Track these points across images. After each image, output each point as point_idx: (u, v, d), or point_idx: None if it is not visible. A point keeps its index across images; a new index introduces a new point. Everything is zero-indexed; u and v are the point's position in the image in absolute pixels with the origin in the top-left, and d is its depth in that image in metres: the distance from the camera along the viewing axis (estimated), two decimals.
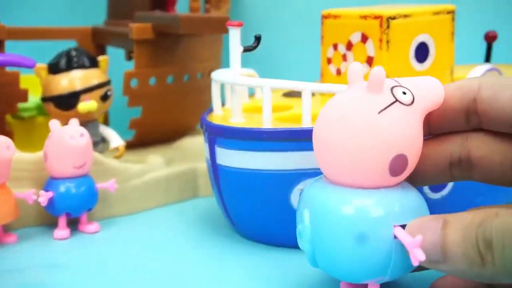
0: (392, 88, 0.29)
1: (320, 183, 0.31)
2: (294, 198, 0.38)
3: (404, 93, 0.29)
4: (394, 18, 0.42)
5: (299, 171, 0.38)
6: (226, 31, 0.49)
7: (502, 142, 0.30)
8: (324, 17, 0.47)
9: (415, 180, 0.32)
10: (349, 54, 0.45)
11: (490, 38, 0.45)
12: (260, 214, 0.40)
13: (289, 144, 0.37)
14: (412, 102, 0.29)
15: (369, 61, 0.43)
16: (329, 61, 0.47)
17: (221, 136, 0.39)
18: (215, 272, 0.37)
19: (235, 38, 0.39)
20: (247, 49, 0.40)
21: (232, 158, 0.39)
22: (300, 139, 0.37)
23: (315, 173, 0.37)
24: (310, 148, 0.37)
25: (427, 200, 0.32)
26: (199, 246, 0.42)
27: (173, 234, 0.44)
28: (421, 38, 0.43)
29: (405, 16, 0.42)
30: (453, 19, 0.45)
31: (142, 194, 0.49)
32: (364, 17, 0.43)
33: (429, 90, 0.30)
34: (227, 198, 0.41)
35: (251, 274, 0.37)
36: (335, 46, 0.46)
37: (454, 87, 0.31)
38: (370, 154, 0.28)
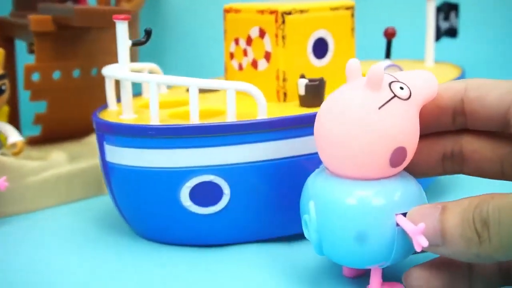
0: (390, 84, 0.31)
1: (323, 175, 0.33)
2: (183, 196, 0.37)
3: (402, 88, 0.31)
4: (289, 13, 0.41)
5: (188, 169, 0.37)
6: (129, 24, 0.48)
7: (491, 138, 0.32)
8: (226, 11, 0.46)
9: (409, 173, 0.33)
10: (249, 49, 0.44)
11: (389, 35, 0.45)
12: (151, 212, 0.39)
13: (177, 141, 0.37)
14: (409, 96, 0.31)
15: (267, 56, 0.43)
16: (231, 56, 0.46)
17: (109, 133, 0.38)
18: (105, 273, 0.36)
19: (122, 32, 0.38)
20: (136, 44, 0.39)
21: (121, 155, 0.38)
22: (188, 135, 0.37)
23: (204, 170, 0.37)
24: (198, 145, 0.37)
25: None
26: (95, 246, 0.41)
27: (71, 233, 0.43)
28: (319, 33, 0.43)
29: (301, 11, 0.42)
30: (352, 15, 0.44)
31: (40, 192, 0.47)
32: (261, 11, 0.42)
33: (424, 84, 0.32)
34: (118, 197, 0.40)
35: (146, 274, 0.36)
36: (236, 41, 0.45)
37: (441, 88, 0.32)
38: (372, 148, 0.30)
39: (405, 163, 0.31)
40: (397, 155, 0.30)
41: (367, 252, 0.31)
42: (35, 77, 0.51)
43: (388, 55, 0.46)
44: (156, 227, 0.40)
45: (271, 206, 0.38)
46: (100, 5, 0.50)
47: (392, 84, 0.31)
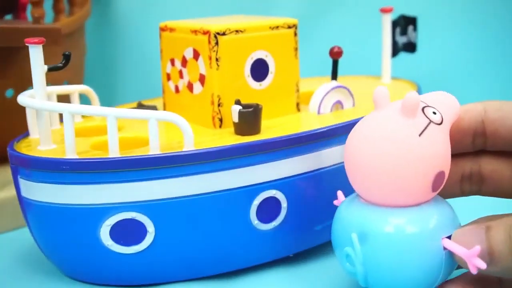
0: (423, 109, 0.31)
1: (360, 205, 0.32)
2: (104, 235, 0.34)
3: (434, 113, 0.31)
4: (223, 34, 0.38)
5: (107, 206, 0.34)
6: (57, 43, 0.45)
7: (510, 157, 0.33)
8: (161, 29, 0.43)
9: None
10: (185, 71, 0.41)
11: (335, 54, 0.42)
12: (71, 252, 0.36)
13: (94, 176, 0.34)
14: (442, 121, 0.31)
15: (201, 79, 0.40)
16: (168, 77, 0.43)
17: (22, 166, 0.35)
18: None
19: (36, 57, 0.35)
20: (52, 69, 0.36)
21: (36, 191, 0.35)
22: (106, 170, 0.34)
23: (125, 207, 0.34)
24: (117, 180, 0.34)
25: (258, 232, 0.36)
26: (13, 285, 0.37)
27: None
28: (257, 54, 0.40)
29: (237, 31, 0.39)
30: (295, 34, 0.42)
31: None
32: (195, 31, 0.39)
33: (450, 106, 0.32)
34: (37, 234, 0.37)
35: None
36: (172, 61, 0.42)
37: (461, 110, 0.33)
38: (417, 174, 0.30)
39: (442, 187, 0.32)
40: (438, 180, 0.31)
41: (418, 279, 0.31)
42: None
43: (334, 76, 0.43)
44: (79, 267, 0.36)
45: (200, 244, 0.35)
46: (33, 22, 0.46)
47: (425, 109, 0.31)
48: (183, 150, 0.34)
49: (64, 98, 0.42)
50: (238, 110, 0.37)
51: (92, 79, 0.66)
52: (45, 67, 0.35)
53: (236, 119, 0.37)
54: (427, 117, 0.31)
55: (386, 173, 0.30)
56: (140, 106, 0.45)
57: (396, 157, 0.30)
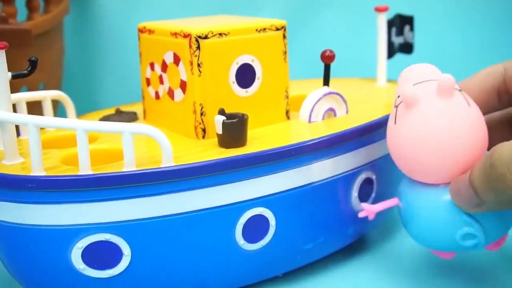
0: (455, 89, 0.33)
1: (440, 189, 0.33)
2: (75, 258, 0.31)
3: (460, 90, 0.34)
4: (205, 37, 0.35)
5: (79, 227, 0.31)
6: (27, 45, 0.42)
7: None
8: (140, 31, 0.40)
9: None
10: (165, 76, 0.38)
11: (326, 58, 0.39)
12: (41, 276, 0.33)
13: (63, 195, 0.31)
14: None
15: (183, 86, 0.37)
16: (148, 82, 0.40)
17: None
18: None
19: None
20: (17, 76, 0.32)
21: (0, 210, 0.32)
22: (76, 189, 0.31)
23: (98, 228, 0.31)
24: (89, 199, 0.31)
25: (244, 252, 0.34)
26: None
27: None
28: (243, 59, 0.37)
29: (221, 34, 0.36)
30: (284, 36, 0.39)
31: None
32: (175, 34, 0.36)
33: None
34: (3, 256, 0.34)
35: None
36: (152, 66, 0.39)
37: (483, 74, 0.36)
38: (478, 148, 0.32)
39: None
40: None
41: None
42: None
43: (326, 81, 0.40)
44: None
45: (180, 267, 0.33)
46: (1, 21, 0.43)
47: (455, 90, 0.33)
48: (161, 166, 0.31)
49: (38, 104, 0.40)
50: (222, 121, 0.34)
51: (71, 80, 0.63)
52: (9, 74, 0.32)
53: (219, 131, 0.34)
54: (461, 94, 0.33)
55: (458, 148, 0.32)
56: (119, 112, 0.42)
57: (464, 137, 0.32)
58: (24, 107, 0.37)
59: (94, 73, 0.65)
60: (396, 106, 0.34)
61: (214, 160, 0.32)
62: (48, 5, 0.52)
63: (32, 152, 0.31)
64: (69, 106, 0.41)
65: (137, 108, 0.44)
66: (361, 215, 0.36)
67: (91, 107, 0.64)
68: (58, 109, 0.49)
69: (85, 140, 0.30)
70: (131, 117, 0.42)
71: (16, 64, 0.43)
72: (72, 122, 0.30)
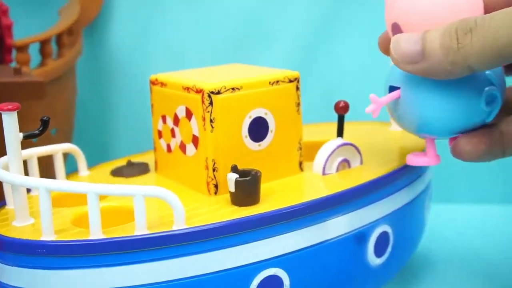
0: None
1: None
2: None
3: None
4: (218, 92, 0.35)
5: None
6: (40, 97, 0.42)
7: None
8: (152, 82, 0.40)
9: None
10: (177, 130, 0.38)
11: (340, 110, 0.39)
12: None
13: (75, 260, 0.30)
14: None
15: (195, 141, 0.36)
16: (159, 134, 0.40)
17: None
18: None
19: (9, 125, 0.31)
20: (29, 136, 0.32)
21: (10, 275, 0.31)
22: (88, 254, 0.30)
23: None
24: (101, 264, 0.30)
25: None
26: None
27: None
28: (256, 113, 0.36)
29: (233, 89, 0.35)
30: (297, 88, 0.38)
31: None
32: (187, 89, 0.36)
33: None
34: None
35: None
36: (163, 119, 0.39)
37: None
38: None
39: None
40: None
41: None
42: None
43: (340, 132, 0.39)
44: None
45: None
46: (15, 71, 0.43)
47: None
48: (173, 229, 0.31)
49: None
50: (234, 179, 0.33)
51: (83, 122, 0.63)
52: (21, 135, 0.32)
53: (232, 189, 0.33)
54: None
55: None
56: (130, 164, 0.41)
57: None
58: (35, 163, 0.37)
59: (106, 114, 0.64)
60: None
61: (227, 221, 0.31)
62: (61, 49, 0.52)
63: (42, 216, 0.30)
64: (80, 158, 0.41)
65: (148, 158, 0.43)
66: (368, 110, 0.34)
67: (102, 154, 0.64)
68: (69, 159, 0.48)
69: (96, 204, 0.30)
70: (143, 169, 0.41)
71: (25, 112, 0.43)
72: (83, 187, 0.30)
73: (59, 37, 0.52)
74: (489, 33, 0.29)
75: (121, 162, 0.43)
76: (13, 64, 0.52)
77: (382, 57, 0.41)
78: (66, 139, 0.59)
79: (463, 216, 0.58)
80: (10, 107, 0.31)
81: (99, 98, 0.64)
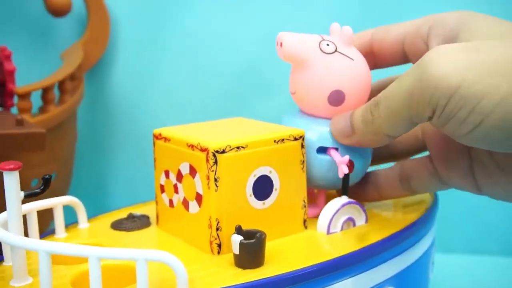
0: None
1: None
2: None
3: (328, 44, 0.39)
4: (223, 151, 0.35)
5: None
6: (40, 148, 0.41)
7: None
8: (156, 137, 0.39)
9: None
10: (180, 186, 0.37)
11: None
12: None
13: None
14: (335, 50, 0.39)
15: (198, 199, 0.36)
16: (162, 188, 0.39)
17: None
18: None
19: (10, 184, 0.31)
20: (30, 195, 0.32)
21: None
22: None
23: None
24: None
25: None
26: None
27: None
28: (260, 171, 0.36)
29: (238, 148, 0.35)
30: (302, 146, 0.38)
31: None
32: (191, 146, 0.36)
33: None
34: None
35: None
36: (166, 173, 0.38)
37: (355, 37, 0.42)
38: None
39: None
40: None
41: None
42: None
43: (345, 191, 0.39)
44: None
45: None
46: (14, 123, 0.42)
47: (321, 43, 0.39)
48: None
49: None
50: (239, 241, 0.32)
51: (82, 167, 0.62)
52: (22, 194, 0.31)
53: (236, 251, 0.33)
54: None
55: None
56: (131, 217, 0.41)
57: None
58: (34, 218, 0.36)
59: (104, 160, 0.64)
60: None
61: (230, 287, 0.31)
62: (63, 95, 0.52)
63: (42, 280, 0.29)
64: (80, 211, 0.40)
65: (149, 209, 0.43)
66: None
67: (101, 205, 0.63)
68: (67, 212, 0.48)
69: (98, 268, 0.29)
70: (144, 222, 0.40)
71: (25, 158, 0.42)
72: (85, 251, 0.29)
73: (61, 83, 0.52)
74: (388, 103, 0.35)
75: (121, 214, 0.42)
76: (15, 109, 0.52)
77: None
78: (65, 183, 0.58)
79: (460, 267, 0.57)
80: (12, 166, 0.30)
81: (98, 143, 0.64)
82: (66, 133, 0.53)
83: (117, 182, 0.64)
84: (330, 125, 0.39)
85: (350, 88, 0.39)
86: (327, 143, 0.39)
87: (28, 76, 0.57)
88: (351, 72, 0.39)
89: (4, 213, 0.33)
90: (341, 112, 0.39)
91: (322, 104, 0.39)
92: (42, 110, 0.50)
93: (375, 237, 0.37)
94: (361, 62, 0.40)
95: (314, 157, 0.39)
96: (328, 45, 0.39)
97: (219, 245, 0.35)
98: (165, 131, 0.38)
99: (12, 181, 0.31)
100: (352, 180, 0.40)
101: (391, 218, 0.41)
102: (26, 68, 0.59)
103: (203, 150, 0.35)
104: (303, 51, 0.38)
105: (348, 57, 0.39)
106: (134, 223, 0.40)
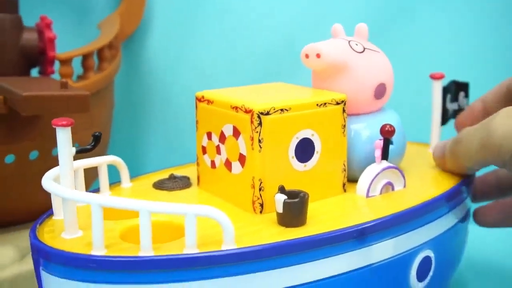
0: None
1: None
2: None
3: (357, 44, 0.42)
4: (267, 113, 0.35)
5: None
6: (84, 110, 0.42)
7: None
8: (198, 99, 0.40)
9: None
10: (222, 148, 0.38)
11: (386, 133, 0.39)
12: None
13: (124, 276, 0.30)
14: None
15: (241, 160, 0.36)
16: (204, 150, 0.40)
17: (45, 259, 0.32)
18: None
19: (63, 140, 0.32)
20: (81, 151, 0.33)
21: (60, 287, 0.32)
22: (137, 271, 0.30)
23: None
24: (150, 280, 0.30)
25: None
26: None
27: None
28: (303, 134, 0.37)
29: (282, 110, 0.36)
30: (344, 110, 0.38)
31: None
32: (235, 108, 0.36)
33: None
34: None
35: None
36: (209, 135, 0.39)
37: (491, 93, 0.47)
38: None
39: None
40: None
41: None
42: None
43: (385, 155, 0.39)
44: None
45: None
46: (59, 86, 0.43)
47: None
48: (223, 249, 0.31)
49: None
50: (283, 201, 0.33)
51: (119, 134, 0.63)
52: (73, 150, 0.32)
53: (280, 210, 0.33)
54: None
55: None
56: (172, 178, 0.42)
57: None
58: (81, 175, 0.37)
59: (141, 127, 0.65)
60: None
61: (277, 243, 0.31)
62: (102, 63, 0.53)
63: (94, 231, 0.30)
64: (123, 170, 0.41)
65: (188, 171, 0.44)
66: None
67: (140, 166, 0.64)
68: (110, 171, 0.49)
69: (148, 221, 0.30)
70: (185, 183, 0.41)
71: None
72: (136, 204, 0.30)
73: (100, 51, 0.53)
74: (466, 145, 0.39)
75: (162, 174, 0.43)
76: (54, 76, 0.53)
77: (424, 81, 0.42)
78: (102, 151, 0.59)
79: (494, 238, 0.58)
80: (64, 122, 0.31)
81: (134, 111, 0.65)
82: (104, 100, 0.54)
83: (152, 150, 0.65)
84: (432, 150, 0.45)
85: (388, 78, 0.42)
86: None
87: (66, 46, 0.58)
88: (384, 64, 0.42)
89: (55, 168, 0.34)
90: (383, 103, 0.42)
91: (369, 100, 0.41)
92: (82, 77, 0.52)
93: (413, 201, 0.37)
94: (383, 53, 0.42)
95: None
96: (356, 44, 0.41)
97: (261, 205, 0.36)
98: (208, 93, 0.39)
99: (64, 136, 0.32)
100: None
101: (429, 184, 0.41)
102: (64, 38, 0.60)
103: (248, 111, 0.35)
104: (343, 55, 0.40)
105: (375, 51, 0.42)
106: (175, 183, 0.41)
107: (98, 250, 0.31)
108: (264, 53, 0.62)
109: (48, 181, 0.33)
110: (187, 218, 0.30)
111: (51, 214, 0.37)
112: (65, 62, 0.49)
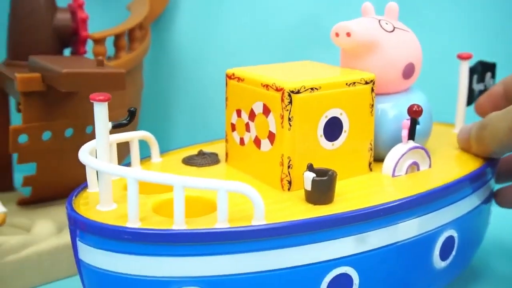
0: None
1: None
2: None
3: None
4: (298, 92, 0.36)
5: (171, 279, 0.31)
6: (120, 88, 0.43)
7: None
8: (228, 77, 0.41)
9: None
10: (252, 125, 0.39)
11: (413, 113, 0.39)
12: None
13: (157, 248, 0.31)
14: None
15: (271, 137, 0.37)
16: (233, 127, 0.41)
17: (81, 230, 0.33)
18: None
19: (100, 114, 0.33)
20: (117, 126, 0.34)
21: (95, 257, 0.33)
22: (170, 243, 0.31)
23: (189, 281, 0.32)
24: (182, 253, 0.32)
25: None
26: None
27: None
28: (331, 113, 0.37)
29: (312, 89, 0.36)
30: (372, 90, 0.39)
31: (22, 271, 0.43)
32: (266, 86, 0.37)
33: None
34: None
35: None
36: (238, 112, 0.40)
37: (483, 99, 0.48)
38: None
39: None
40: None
41: None
42: (23, 139, 0.47)
43: (411, 135, 0.40)
44: None
45: None
46: (95, 64, 0.44)
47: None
48: (253, 224, 0.32)
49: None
50: (312, 178, 0.34)
51: (148, 114, 0.64)
52: (110, 125, 0.34)
53: (308, 187, 0.34)
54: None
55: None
56: (201, 154, 0.43)
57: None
58: (114, 150, 0.39)
59: (169, 107, 0.66)
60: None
61: (306, 219, 0.32)
62: (132, 43, 0.54)
63: (130, 204, 0.32)
64: (154, 146, 0.42)
65: (216, 148, 0.45)
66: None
67: (168, 142, 0.66)
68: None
69: (181, 196, 0.31)
70: (214, 159, 0.42)
71: None
72: (171, 179, 0.31)
73: (131, 31, 0.54)
74: (493, 130, 0.40)
75: (191, 151, 0.44)
76: (87, 56, 0.54)
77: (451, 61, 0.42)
78: (132, 130, 0.61)
79: None
80: (102, 97, 0.32)
81: (162, 92, 0.66)
82: (134, 80, 0.55)
83: (180, 129, 0.66)
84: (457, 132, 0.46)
85: (417, 59, 0.42)
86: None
87: (97, 27, 0.59)
88: (414, 44, 0.42)
89: (91, 142, 0.35)
90: (411, 83, 0.42)
91: (398, 79, 0.41)
92: (114, 56, 0.53)
93: (438, 182, 0.38)
94: (412, 32, 0.42)
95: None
96: (386, 23, 0.41)
97: (290, 182, 0.37)
98: (238, 71, 0.40)
99: (101, 111, 0.33)
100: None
101: (454, 164, 0.41)
102: (94, 19, 0.61)
103: (278, 90, 0.36)
104: (374, 34, 0.40)
105: (405, 30, 0.42)
106: (204, 159, 0.42)
107: (133, 223, 0.32)
108: (291, 32, 0.63)
109: (85, 154, 0.34)
110: (219, 194, 0.31)
111: (85, 186, 0.38)
112: (99, 41, 0.50)
